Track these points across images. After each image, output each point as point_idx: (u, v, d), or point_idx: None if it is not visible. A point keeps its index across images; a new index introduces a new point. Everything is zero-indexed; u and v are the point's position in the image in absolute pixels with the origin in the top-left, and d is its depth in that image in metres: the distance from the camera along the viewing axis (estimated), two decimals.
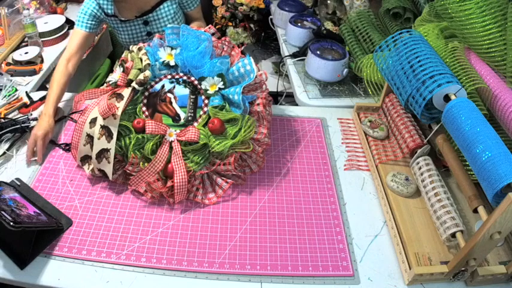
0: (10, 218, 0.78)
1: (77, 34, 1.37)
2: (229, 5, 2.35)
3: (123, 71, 1.08)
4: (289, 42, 1.77)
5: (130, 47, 1.16)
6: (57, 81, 1.25)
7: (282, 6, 1.91)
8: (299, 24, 1.76)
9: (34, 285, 0.85)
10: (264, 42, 2.51)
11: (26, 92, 1.34)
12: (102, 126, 1.00)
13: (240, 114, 1.02)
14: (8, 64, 1.51)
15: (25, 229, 0.82)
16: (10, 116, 1.25)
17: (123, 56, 1.15)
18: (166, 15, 1.45)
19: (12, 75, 1.47)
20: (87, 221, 0.96)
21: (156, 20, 1.45)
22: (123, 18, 1.40)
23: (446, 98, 0.93)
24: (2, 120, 1.20)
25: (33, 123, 1.21)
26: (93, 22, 1.38)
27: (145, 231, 0.95)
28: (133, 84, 1.05)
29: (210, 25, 1.19)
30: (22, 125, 1.18)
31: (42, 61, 1.60)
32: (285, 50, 1.73)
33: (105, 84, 1.11)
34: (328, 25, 1.81)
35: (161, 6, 1.43)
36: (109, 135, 0.99)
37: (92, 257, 0.89)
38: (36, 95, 1.35)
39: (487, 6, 0.93)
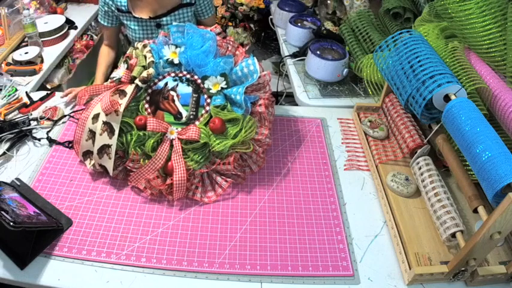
0: (10, 218, 0.78)
1: (104, 28, 1.53)
2: (229, 5, 2.35)
3: (127, 68, 1.09)
4: (289, 42, 1.77)
5: (135, 43, 1.17)
6: (104, 57, 1.52)
7: (282, 6, 1.91)
8: (299, 24, 1.76)
9: (34, 285, 0.85)
10: (264, 42, 2.51)
11: (26, 92, 1.34)
12: (105, 122, 1.00)
13: (241, 115, 1.02)
14: (8, 64, 1.51)
15: (25, 229, 0.81)
16: (10, 116, 1.25)
17: (127, 52, 1.16)
18: (180, 21, 1.46)
19: (12, 75, 1.47)
20: (87, 221, 0.96)
21: (169, 24, 1.45)
22: (136, 16, 1.42)
23: (446, 98, 0.93)
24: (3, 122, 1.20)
25: (33, 123, 1.22)
26: (109, 18, 1.46)
27: (145, 231, 0.95)
28: (137, 81, 1.05)
29: (216, 24, 1.20)
30: (22, 128, 1.18)
31: (42, 61, 1.60)
32: (285, 50, 1.73)
33: (109, 80, 1.12)
34: (328, 25, 1.82)
35: (176, 12, 1.44)
36: (111, 132, 0.99)
37: (92, 257, 0.89)
38: (36, 95, 1.35)
39: (487, 6, 0.93)
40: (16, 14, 1.71)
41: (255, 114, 1.06)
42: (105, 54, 1.54)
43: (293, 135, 1.24)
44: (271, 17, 2.01)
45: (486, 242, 0.75)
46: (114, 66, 1.57)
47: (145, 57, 1.09)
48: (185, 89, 1.07)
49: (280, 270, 0.89)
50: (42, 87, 1.56)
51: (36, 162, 1.11)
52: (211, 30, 1.12)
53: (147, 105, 1.07)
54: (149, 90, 1.08)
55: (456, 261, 0.81)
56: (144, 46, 1.12)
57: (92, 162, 1.05)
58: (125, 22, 1.46)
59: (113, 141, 0.99)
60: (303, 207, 1.02)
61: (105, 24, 1.47)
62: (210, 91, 1.05)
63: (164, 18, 1.43)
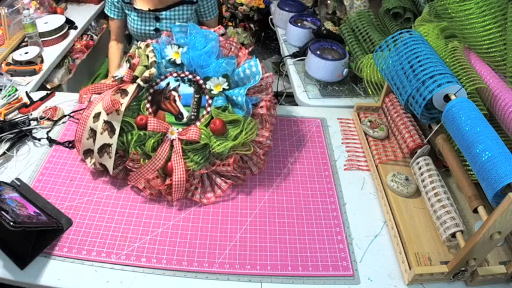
0: (10, 218, 0.78)
1: (110, 21, 1.58)
2: (229, 5, 2.35)
3: (130, 67, 1.09)
4: (289, 42, 1.77)
5: (138, 43, 1.17)
6: (114, 53, 1.58)
7: (282, 6, 1.91)
8: (299, 24, 1.76)
9: (34, 285, 0.85)
10: (264, 42, 2.51)
11: (26, 92, 1.34)
12: (105, 121, 1.00)
13: (242, 116, 1.01)
14: (8, 64, 1.51)
15: (25, 229, 0.81)
16: (10, 116, 1.25)
17: (130, 51, 1.16)
18: (178, 17, 1.48)
19: (12, 75, 1.47)
20: (87, 221, 0.96)
21: (168, 19, 1.48)
22: (136, 7, 1.45)
23: (446, 98, 0.93)
24: (3, 122, 1.20)
25: (33, 123, 1.22)
26: (115, 9, 1.50)
27: (145, 231, 0.95)
28: (139, 80, 1.05)
29: (220, 25, 1.21)
30: (22, 128, 1.18)
31: (42, 61, 1.60)
32: (285, 50, 1.73)
33: (111, 79, 1.12)
34: (328, 25, 1.82)
35: (176, 8, 1.46)
36: (111, 131, 0.99)
37: (92, 257, 0.89)
38: (36, 95, 1.35)
39: (487, 6, 0.93)
40: (16, 14, 1.70)
41: (256, 116, 1.06)
42: (115, 49, 1.60)
43: (293, 135, 1.24)
44: (271, 17, 2.01)
45: (486, 242, 0.75)
46: None
47: (147, 56, 1.09)
48: (187, 90, 1.07)
49: (280, 270, 0.89)
50: (42, 87, 1.56)
51: (36, 162, 1.11)
52: (214, 31, 1.12)
53: (148, 105, 1.07)
54: (151, 90, 1.08)
55: (456, 261, 0.81)
56: (147, 46, 1.12)
57: (93, 160, 1.05)
58: (127, 12, 1.50)
59: (114, 141, 0.99)
60: (303, 207, 1.02)
61: (112, 15, 1.52)
62: (212, 92, 1.05)
63: (163, 12, 1.45)
